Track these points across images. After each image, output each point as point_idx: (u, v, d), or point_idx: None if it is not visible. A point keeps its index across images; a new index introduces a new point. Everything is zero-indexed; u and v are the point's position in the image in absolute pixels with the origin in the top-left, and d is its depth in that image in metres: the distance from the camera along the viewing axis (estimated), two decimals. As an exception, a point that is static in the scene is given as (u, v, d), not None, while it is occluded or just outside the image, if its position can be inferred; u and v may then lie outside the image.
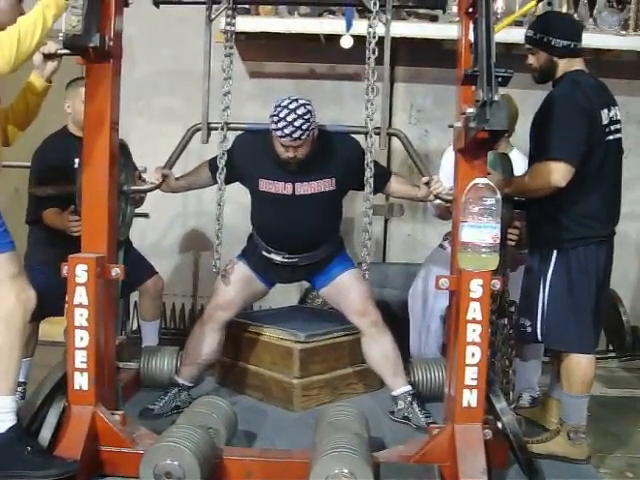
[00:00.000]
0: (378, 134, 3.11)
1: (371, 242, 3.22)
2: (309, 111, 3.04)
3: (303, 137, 3.04)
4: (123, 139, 3.00)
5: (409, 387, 3.38)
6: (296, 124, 2.99)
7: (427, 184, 3.09)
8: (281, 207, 3.28)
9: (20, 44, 2.34)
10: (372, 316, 3.36)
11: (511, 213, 3.07)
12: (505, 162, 3.11)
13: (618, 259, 3.06)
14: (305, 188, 3.25)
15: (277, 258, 3.38)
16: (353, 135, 3.31)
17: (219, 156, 3.18)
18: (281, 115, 3.00)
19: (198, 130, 3.22)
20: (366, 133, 3.09)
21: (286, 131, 3.00)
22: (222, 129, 3.16)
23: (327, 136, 3.24)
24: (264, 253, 3.40)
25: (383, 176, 3.31)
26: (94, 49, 2.55)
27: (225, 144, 3.19)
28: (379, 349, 3.39)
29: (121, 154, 2.96)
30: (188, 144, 3.23)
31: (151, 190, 3.20)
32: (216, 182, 3.24)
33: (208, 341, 3.43)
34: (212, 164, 3.28)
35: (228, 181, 3.24)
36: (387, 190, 3.39)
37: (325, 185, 3.26)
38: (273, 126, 3.04)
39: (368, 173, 3.09)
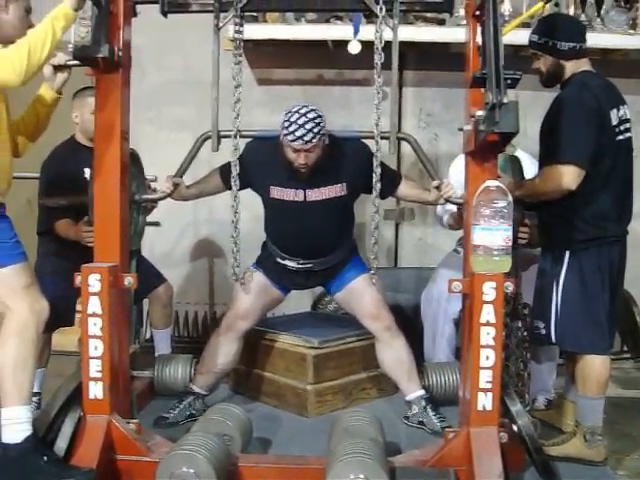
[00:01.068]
0: (387, 138, 3.11)
1: (378, 247, 3.20)
2: (319, 116, 3.06)
3: (314, 140, 3.04)
4: (134, 149, 3.02)
5: (423, 391, 3.38)
6: (307, 127, 3.01)
7: (437, 188, 3.08)
8: (293, 214, 3.29)
9: (30, 57, 2.36)
10: (385, 320, 3.37)
11: (521, 215, 3.06)
12: (515, 165, 3.10)
13: (631, 259, 3.04)
14: (316, 194, 3.25)
15: (292, 264, 3.38)
16: (363, 140, 3.31)
17: (232, 163, 3.18)
18: (292, 119, 3.02)
19: (208, 138, 3.22)
20: (374, 138, 3.09)
21: (297, 134, 3.01)
22: (235, 137, 3.16)
23: (336, 142, 3.24)
24: (278, 260, 3.40)
25: (393, 180, 3.31)
26: (103, 59, 2.56)
27: (237, 152, 3.19)
28: (393, 354, 3.39)
29: (132, 164, 2.97)
30: (198, 152, 3.24)
31: (162, 199, 3.21)
32: (227, 189, 3.25)
33: (226, 350, 3.44)
34: (223, 171, 3.29)
35: (239, 188, 3.24)
36: (397, 194, 3.39)
37: (336, 191, 3.26)
38: (284, 131, 3.05)
39: (374, 178, 3.09)
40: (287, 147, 3.11)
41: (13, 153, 2.72)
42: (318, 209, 3.26)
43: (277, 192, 3.27)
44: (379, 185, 3.08)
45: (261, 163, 3.28)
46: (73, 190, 3.32)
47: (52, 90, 2.78)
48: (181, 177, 3.19)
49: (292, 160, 3.13)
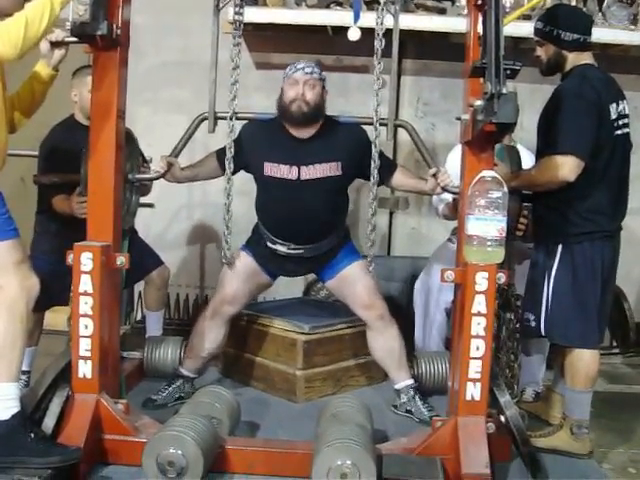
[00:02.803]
0: (385, 125, 3.10)
1: (375, 235, 3.19)
2: (319, 66, 3.21)
3: (315, 74, 3.17)
4: (128, 127, 3.00)
5: (411, 381, 3.38)
6: (307, 67, 3.19)
7: (434, 176, 3.07)
8: (286, 193, 3.24)
9: (28, 30, 2.33)
10: (379, 309, 3.33)
11: (519, 205, 3.04)
12: (513, 154, 3.09)
13: (623, 255, 3.04)
14: (311, 172, 3.22)
15: (282, 249, 3.32)
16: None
17: (227, 145, 3.17)
18: (294, 64, 3.19)
19: (205, 119, 3.21)
20: (372, 124, 3.08)
21: (298, 67, 3.16)
22: (230, 119, 3.15)
23: (333, 122, 3.26)
24: (269, 244, 3.35)
25: (388, 167, 3.29)
26: (102, 37, 2.54)
27: (232, 133, 3.17)
28: (384, 342, 3.37)
29: (127, 143, 2.95)
30: (194, 134, 3.22)
31: (156, 179, 3.18)
32: (223, 172, 3.24)
33: (213, 335, 3.41)
34: (219, 154, 3.27)
35: (235, 169, 3.24)
36: (392, 182, 3.35)
37: (331, 169, 3.23)
38: (286, 73, 3.19)
39: (372, 165, 3.07)
40: (288, 86, 3.17)
41: (9, 129, 2.70)
42: (312, 188, 3.22)
43: (271, 168, 3.24)
44: (376, 172, 3.07)
45: (257, 142, 3.27)
46: (71, 169, 3.29)
47: (48, 67, 2.76)
48: (176, 157, 3.18)
49: (291, 98, 3.14)
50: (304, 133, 3.23)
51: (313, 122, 3.22)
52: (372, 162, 3.07)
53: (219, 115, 3.21)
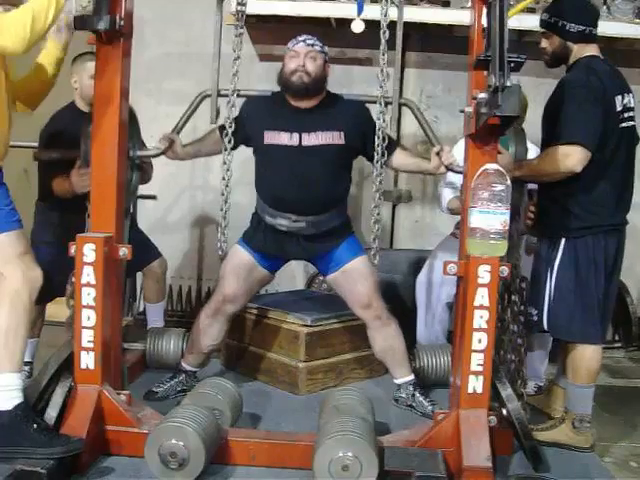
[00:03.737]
0: (390, 104, 3.09)
1: (378, 226, 3.16)
2: (322, 40, 3.23)
3: (316, 46, 3.17)
4: (131, 105, 2.97)
5: (412, 377, 3.36)
6: (309, 38, 3.20)
7: (438, 154, 3.04)
8: (287, 160, 3.17)
9: (34, 23, 2.33)
10: (376, 310, 3.28)
11: (523, 195, 3.01)
12: (519, 137, 3.02)
13: (626, 250, 3.02)
14: (312, 139, 3.16)
15: (283, 222, 3.22)
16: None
17: (227, 124, 3.15)
18: (296, 37, 3.22)
19: (207, 96, 3.22)
20: (376, 102, 3.07)
21: (300, 38, 3.18)
22: (231, 108, 3.13)
23: (336, 96, 3.27)
24: (269, 220, 3.26)
25: (389, 145, 3.18)
26: (104, 31, 2.54)
27: (232, 116, 3.15)
28: (383, 341, 3.33)
29: (129, 120, 2.92)
30: (196, 111, 3.22)
31: (156, 155, 3.16)
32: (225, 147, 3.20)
33: (215, 332, 3.38)
34: (221, 128, 3.22)
35: (236, 143, 3.20)
36: (393, 162, 3.26)
37: (333, 137, 3.17)
38: (288, 48, 3.20)
39: (376, 157, 3.05)
40: (289, 58, 3.17)
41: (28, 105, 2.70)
42: (314, 156, 3.16)
43: (271, 136, 3.19)
44: (379, 166, 3.05)
45: (257, 113, 3.25)
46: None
47: (59, 44, 2.77)
48: (177, 134, 3.17)
49: (292, 69, 3.13)
50: (305, 104, 3.20)
51: (314, 94, 3.19)
52: (375, 152, 3.03)
53: (222, 92, 3.22)
